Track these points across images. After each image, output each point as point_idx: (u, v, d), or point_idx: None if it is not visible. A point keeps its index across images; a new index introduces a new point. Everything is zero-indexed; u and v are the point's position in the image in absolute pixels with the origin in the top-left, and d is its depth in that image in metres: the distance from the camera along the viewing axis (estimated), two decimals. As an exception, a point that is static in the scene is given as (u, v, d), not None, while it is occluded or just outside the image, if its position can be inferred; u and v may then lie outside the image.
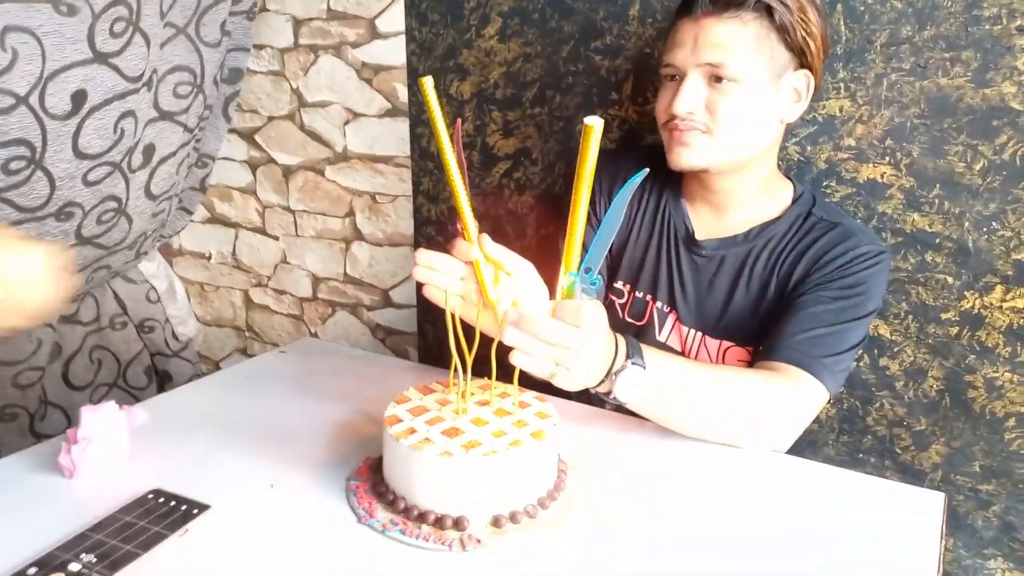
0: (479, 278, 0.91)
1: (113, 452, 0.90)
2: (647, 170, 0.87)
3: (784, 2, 1.03)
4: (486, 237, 0.89)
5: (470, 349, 0.85)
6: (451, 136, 0.86)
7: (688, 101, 1.06)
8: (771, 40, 1.04)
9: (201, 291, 2.04)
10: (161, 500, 0.82)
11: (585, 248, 0.81)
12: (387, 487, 0.84)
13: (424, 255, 0.87)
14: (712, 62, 1.04)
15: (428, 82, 0.84)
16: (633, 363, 0.86)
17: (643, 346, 0.90)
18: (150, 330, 1.93)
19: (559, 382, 0.82)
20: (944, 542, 0.84)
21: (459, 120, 0.92)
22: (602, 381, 0.87)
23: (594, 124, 0.74)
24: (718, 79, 1.04)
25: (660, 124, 1.13)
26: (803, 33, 1.04)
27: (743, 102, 1.05)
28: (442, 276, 0.88)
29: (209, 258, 1.99)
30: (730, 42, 1.03)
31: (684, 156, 1.09)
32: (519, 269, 0.92)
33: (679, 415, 0.96)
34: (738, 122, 1.06)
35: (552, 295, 0.98)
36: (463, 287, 0.91)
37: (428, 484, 0.79)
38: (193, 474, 0.89)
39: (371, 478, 0.87)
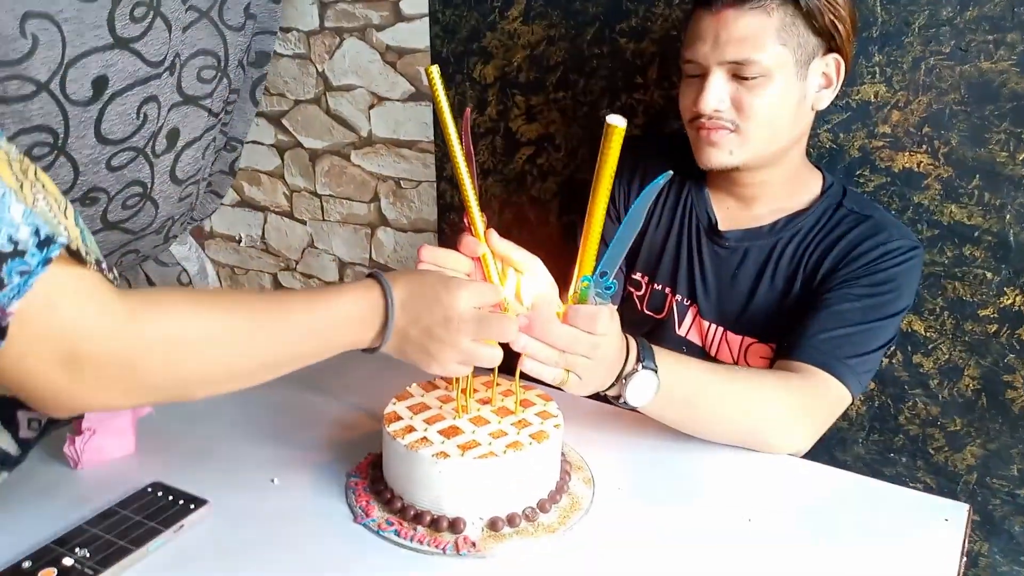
0: (486, 274, 0.89)
1: (117, 443, 0.90)
2: (670, 172, 0.84)
3: None
4: (493, 232, 0.87)
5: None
6: (459, 126, 0.84)
7: (714, 100, 1.01)
8: (797, 27, 0.98)
9: (232, 274, 2.06)
10: (160, 494, 0.82)
11: (604, 245, 0.78)
12: (385, 485, 0.83)
13: (428, 251, 0.86)
14: (737, 60, 0.98)
15: (435, 71, 0.81)
16: (645, 366, 0.83)
17: (655, 348, 0.86)
18: (181, 313, 1.96)
19: (571, 389, 0.80)
20: (970, 549, 0.81)
21: (467, 109, 0.89)
22: (612, 385, 0.84)
23: (618, 124, 0.70)
24: (744, 75, 0.99)
25: (685, 120, 1.08)
26: (831, 16, 0.98)
27: (772, 96, 1.00)
28: (447, 273, 0.86)
29: (239, 241, 2.00)
30: (755, 36, 0.97)
31: (714, 156, 1.04)
32: (528, 265, 0.90)
33: (692, 418, 0.92)
34: (768, 117, 1.01)
35: (564, 290, 0.96)
36: None
37: (424, 485, 0.77)
38: (195, 467, 0.89)
39: (371, 474, 0.86)
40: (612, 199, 1.20)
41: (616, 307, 0.84)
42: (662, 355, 0.86)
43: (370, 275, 0.77)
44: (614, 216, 1.19)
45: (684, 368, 0.88)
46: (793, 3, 0.97)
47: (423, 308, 0.75)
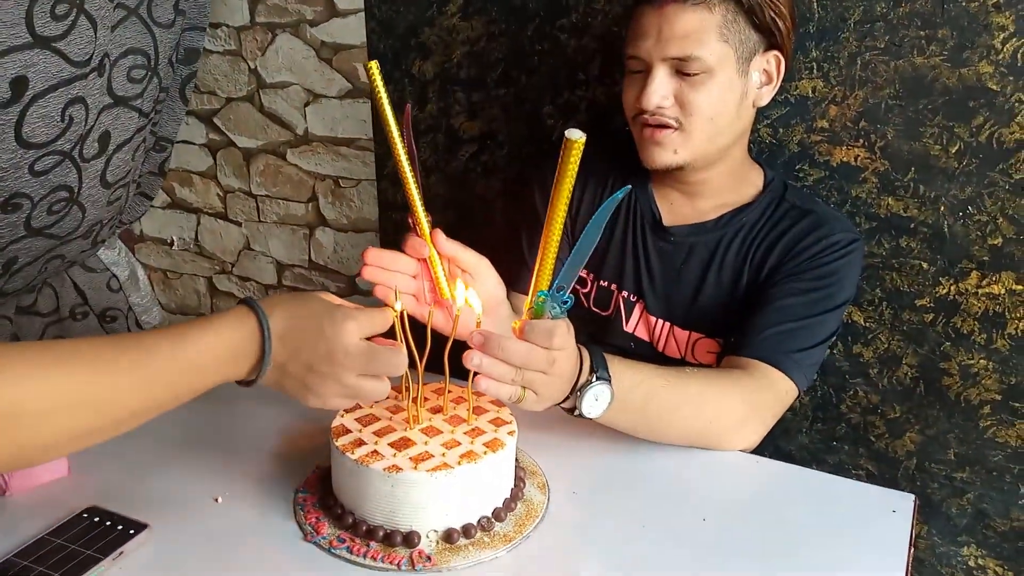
0: (434, 274, 0.87)
1: (48, 465, 0.85)
2: (628, 188, 0.83)
3: None
4: (440, 232, 0.85)
5: (422, 354, 0.80)
6: (400, 124, 0.82)
7: (656, 96, 1.00)
8: (739, 23, 0.99)
9: (164, 278, 1.99)
10: (97, 519, 0.78)
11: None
12: (336, 500, 0.80)
13: (373, 254, 0.84)
14: (680, 56, 0.98)
15: (375, 66, 0.79)
16: (599, 377, 0.82)
17: (607, 356, 0.85)
18: (112, 320, 1.88)
19: (527, 406, 0.78)
20: (916, 530, 0.82)
21: (407, 106, 0.87)
22: (567, 398, 0.83)
23: (577, 138, 0.69)
24: (686, 71, 0.99)
25: (629, 117, 1.07)
26: (772, 13, 0.99)
27: (714, 93, 1.00)
28: (393, 275, 0.84)
29: (171, 244, 1.93)
30: (698, 32, 0.97)
31: (659, 156, 1.04)
32: (475, 266, 0.88)
33: (646, 424, 0.91)
34: (710, 114, 1.01)
35: (513, 286, 0.95)
36: (415, 285, 0.88)
37: (376, 500, 0.75)
38: (133, 489, 0.85)
39: (320, 489, 0.83)
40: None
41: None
42: (614, 363, 0.85)
43: (244, 302, 0.72)
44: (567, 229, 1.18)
45: (636, 375, 0.87)
46: (735, 0, 0.97)
47: (304, 342, 0.71)
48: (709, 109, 1.01)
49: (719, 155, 1.07)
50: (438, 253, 0.86)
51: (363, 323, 0.72)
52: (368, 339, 0.73)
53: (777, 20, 1.00)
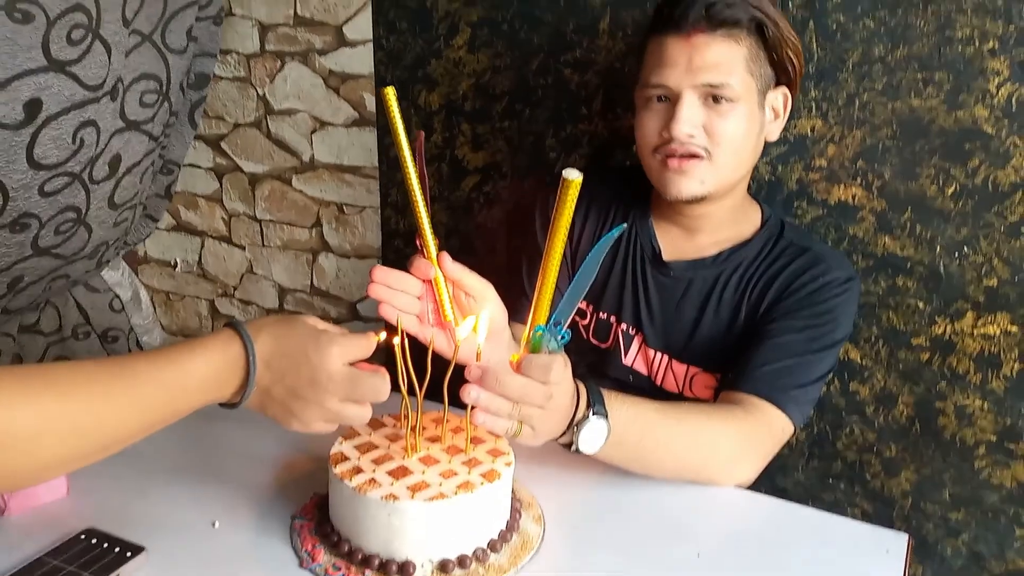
0: (438, 297, 0.88)
1: (47, 486, 0.86)
2: (624, 226, 0.85)
3: (773, 19, 1.01)
4: (446, 255, 0.86)
5: (422, 382, 0.81)
6: (413, 149, 0.84)
7: (687, 124, 1.00)
8: (761, 57, 1.02)
9: (167, 300, 2.00)
10: (94, 541, 0.78)
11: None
12: (332, 527, 0.81)
13: (380, 272, 0.85)
14: (713, 83, 0.99)
15: (392, 92, 0.81)
16: (595, 412, 0.82)
17: (604, 392, 0.85)
18: (114, 340, 1.89)
19: (523, 441, 0.79)
20: (911, 571, 0.83)
21: (420, 133, 0.89)
22: (563, 433, 0.83)
23: (574, 178, 0.71)
24: (716, 99, 1.00)
25: (647, 150, 1.06)
26: (789, 51, 1.03)
27: (742, 123, 1.02)
28: (398, 295, 0.85)
29: (175, 266, 1.95)
30: (728, 62, 0.99)
31: (686, 186, 1.03)
32: (480, 290, 0.89)
33: (642, 459, 0.91)
34: (737, 145, 1.03)
35: (512, 316, 0.96)
36: (419, 306, 0.88)
37: (373, 528, 0.76)
38: (131, 511, 0.85)
39: (317, 516, 0.84)
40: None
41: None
42: (611, 398, 0.85)
43: (229, 325, 0.73)
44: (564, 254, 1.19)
45: (632, 409, 0.88)
46: (759, 34, 1.00)
47: (289, 366, 0.72)
48: (736, 139, 1.02)
49: (732, 188, 1.08)
50: (444, 275, 0.87)
51: (347, 348, 0.73)
52: (352, 364, 0.74)
53: (793, 58, 1.04)
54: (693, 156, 1.02)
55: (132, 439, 0.68)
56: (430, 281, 0.87)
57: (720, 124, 1.01)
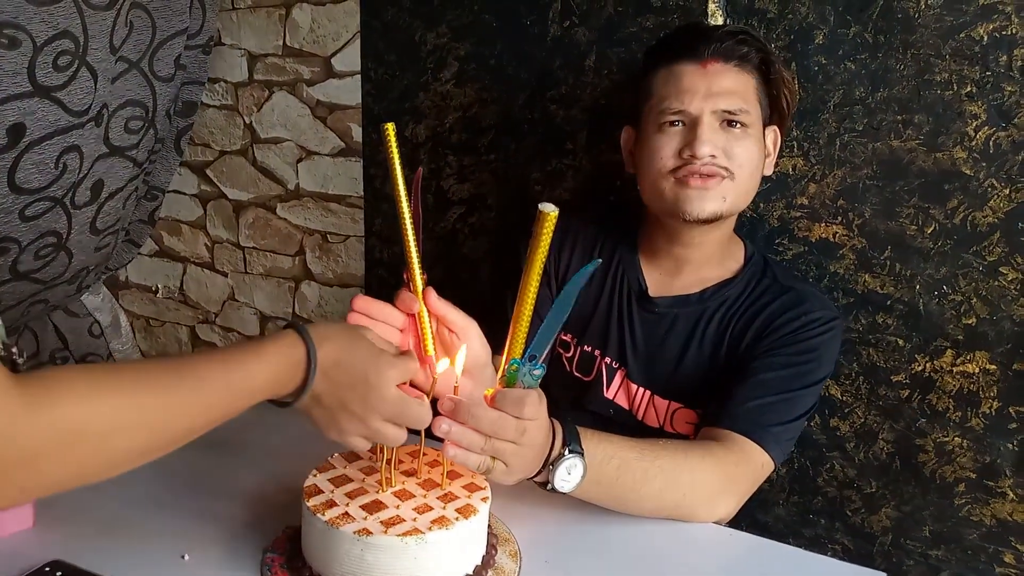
0: (421, 331, 0.87)
1: (12, 516, 0.84)
2: (599, 260, 0.86)
3: (775, 61, 1.06)
4: (432, 291, 0.86)
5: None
6: (409, 185, 0.84)
7: (710, 144, 1.03)
8: (762, 92, 1.06)
9: (147, 325, 1.98)
10: (60, 574, 0.77)
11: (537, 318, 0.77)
12: (304, 562, 0.79)
13: (361, 302, 0.84)
14: (730, 109, 1.03)
15: (392, 129, 0.82)
16: (571, 450, 0.81)
17: (580, 430, 0.84)
18: (91, 366, 1.87)
19: (497, 478, 0.78)
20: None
21: (419, 169, 0.89)
22: (539, 471, 0.82)
23: (550, 211, 0.71)
24: (731, 124, 1.04)
25: (661, 173, 1.06)
26: (786, 91, 1.07)
27: (753, 148, 1.06)
28: (378, 326, 0.84)
29: (156, 292, 1.93)
30: (743, 91, 1.04)
31: (709, 203, 1.04)
32: (463, 327, 0.88)
33: (619, 497, 0.90)
34: (751, 168, 1.06)
35: (496, 349, 0.95)
36: (398, 338, 0.88)
37: (345, 563, 0.74)
38: (98, 543, 0.84)
39: (289, 550, 0.82)
40: (545, 270, 1.20)
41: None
42: (587, 436, 0.85)
43: (291, 327, 0.74)
44: (547, 285, 1.19)
45: (609, 447, 0.87)
46: (763, 72, 1.05)
47: (346, 381, 0.74)
48: (752, 161, 1.06)
49: (737, 212, 1.10)
50: (428, 311, 0.87)
51: (402, 372, 0.76)
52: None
53: (789, 98, 1.08)
54: (715, 175, 1.04)
55: (196, 434, 0.69)
56: (414, 315, 0.86)
57: (738, 147, 1.04)
